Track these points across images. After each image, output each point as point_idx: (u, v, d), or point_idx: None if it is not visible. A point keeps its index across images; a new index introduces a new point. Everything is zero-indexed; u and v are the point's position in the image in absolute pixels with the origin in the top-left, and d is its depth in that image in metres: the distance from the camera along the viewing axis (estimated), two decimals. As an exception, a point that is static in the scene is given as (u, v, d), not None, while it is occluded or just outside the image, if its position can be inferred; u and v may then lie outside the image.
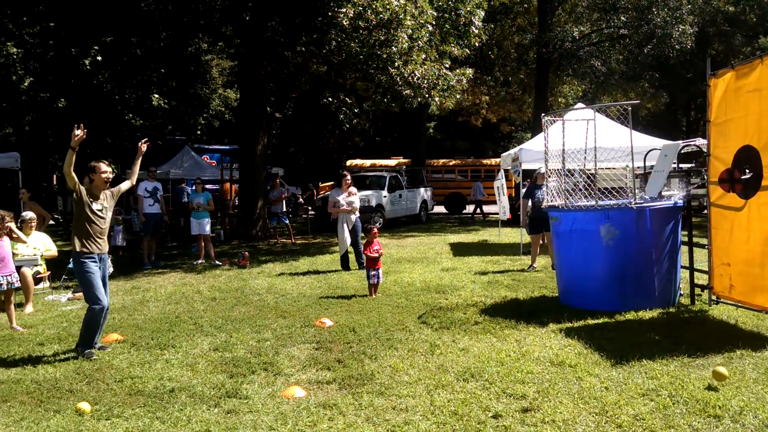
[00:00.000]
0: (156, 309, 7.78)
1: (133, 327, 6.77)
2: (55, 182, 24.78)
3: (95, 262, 5.65)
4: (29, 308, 7.86)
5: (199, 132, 31.59)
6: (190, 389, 4.70)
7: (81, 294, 8.76)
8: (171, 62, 18.18)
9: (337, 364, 5.22)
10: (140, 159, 6.25)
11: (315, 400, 4.39)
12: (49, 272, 9.06)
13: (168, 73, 18.59)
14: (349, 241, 10.43)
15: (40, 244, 8.75)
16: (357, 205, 10.67)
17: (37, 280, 8.69)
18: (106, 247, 5.81)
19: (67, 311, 7.77)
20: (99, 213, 5.69)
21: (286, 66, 18.26)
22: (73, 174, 5.49)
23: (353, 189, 10.75)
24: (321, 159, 38.44)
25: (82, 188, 5.64)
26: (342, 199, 10.49)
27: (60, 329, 6.78)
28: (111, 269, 6.23)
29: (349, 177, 10.81)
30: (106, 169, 5.79)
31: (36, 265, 8.48)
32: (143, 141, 6.29)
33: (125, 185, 6.21)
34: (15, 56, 18.97)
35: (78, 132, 5.38)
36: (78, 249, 5.63)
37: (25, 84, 20.48)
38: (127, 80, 17.52)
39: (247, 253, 11.94)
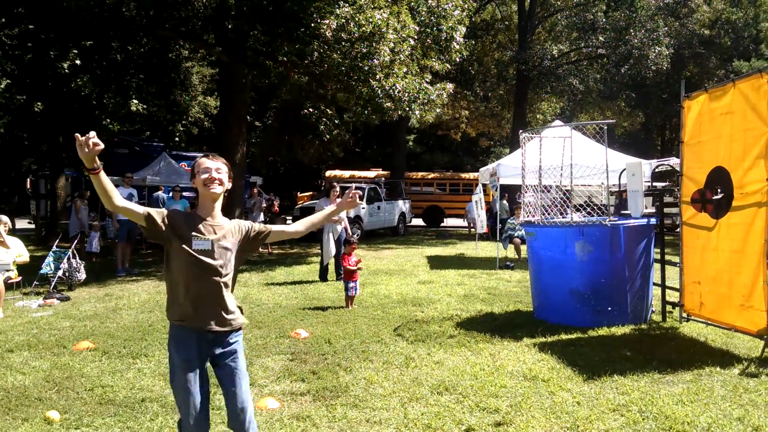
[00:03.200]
0: (129, 317, 7.68)
1: (105, 335, 6.67)
2: (28, 186, 24.42)
3: (187, 343, 2.95)
4: (-2, 314, 7.71)
5: (177, 138, 31.35)
6: (162, 399, 4.64)
7: (52, 300, 8.67)
8: (151, 68, 18.06)
9: (311, 375, 5.20)
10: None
11: (288, 412, 4.37)
12: (21, 278, 8.90)
13: (147, 79, 18.44)
14: (333, 251, 10.46)
15: (13, 249, 8.60)
16: (344, 216, 10.78)
17: (8, 286, 8.54)
18: (227, 321, 3.01)
19: (38, 318, 7.64)
20: (202, 256, 2.92)
21: (267, 75, 18.24)
22: (126, 204, 2.86)
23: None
24: (300, 169, 38.40)
25: (154, 213, 2.91)
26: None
27: (30, 336, 6.66)
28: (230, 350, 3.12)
29: (338, 188, 10.97)
30: (209, 165, 3.00)
31: (7, 270, 8.34)
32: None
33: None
34: (-9, 58, 18.69)
35: (92, 139, 2.65)
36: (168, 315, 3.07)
37: (1, 86, 20.18)
38: (105, 85, 17.32)
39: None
